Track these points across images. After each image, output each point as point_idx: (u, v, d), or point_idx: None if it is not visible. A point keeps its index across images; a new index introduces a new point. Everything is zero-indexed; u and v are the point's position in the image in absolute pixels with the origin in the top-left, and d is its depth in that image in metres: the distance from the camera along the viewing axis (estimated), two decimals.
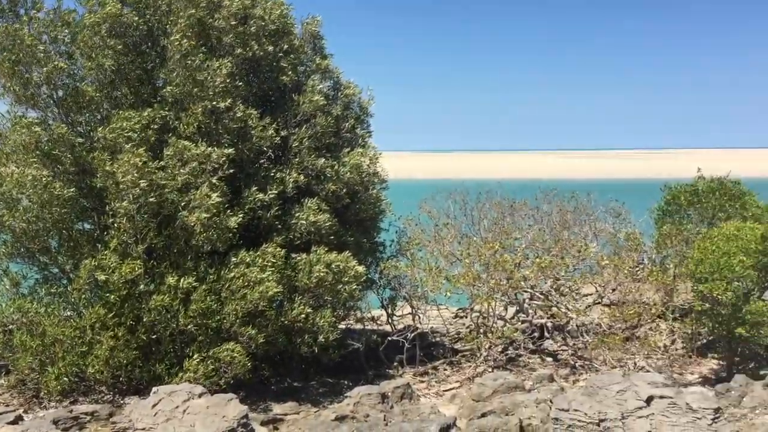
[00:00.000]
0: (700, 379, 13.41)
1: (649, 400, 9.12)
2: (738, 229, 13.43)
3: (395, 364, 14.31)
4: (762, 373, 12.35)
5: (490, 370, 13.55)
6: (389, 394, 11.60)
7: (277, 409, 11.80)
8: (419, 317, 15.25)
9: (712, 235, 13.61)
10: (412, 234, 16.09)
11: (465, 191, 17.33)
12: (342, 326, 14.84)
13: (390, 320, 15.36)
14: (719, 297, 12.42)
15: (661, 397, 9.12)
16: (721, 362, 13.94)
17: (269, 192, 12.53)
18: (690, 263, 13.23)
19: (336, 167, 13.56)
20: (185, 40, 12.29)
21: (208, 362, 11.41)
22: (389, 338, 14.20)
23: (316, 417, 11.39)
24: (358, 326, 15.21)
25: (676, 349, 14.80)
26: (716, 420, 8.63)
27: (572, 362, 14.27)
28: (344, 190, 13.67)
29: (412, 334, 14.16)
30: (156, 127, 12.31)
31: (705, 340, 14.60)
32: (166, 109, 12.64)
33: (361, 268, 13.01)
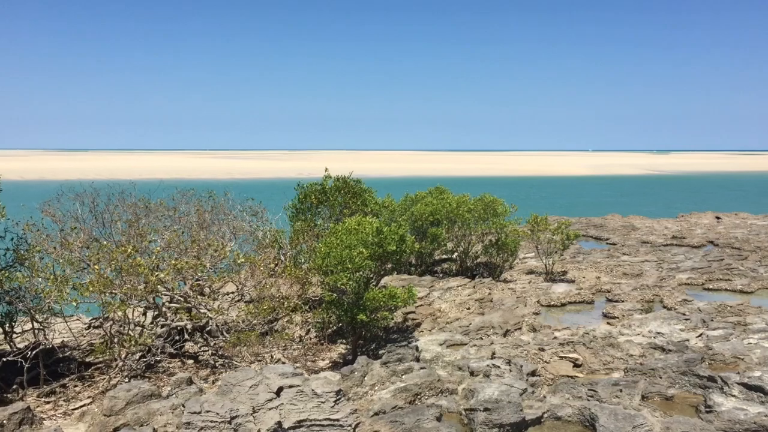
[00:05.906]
0: (330, 364, 14.40)
1: (279, 390, 9.50)
2: (358, 223, 14.65)
3: (15, 387, 12.77)
4: (380, 352, 13.69)
5: (126, 380, 12.85)
6: (5, 422, 10.31)
7: None
8: (44, 332, 13.83)
9: (336, 229, 14.69)
10: (34, 240, 14.51)
11: (95, 192, 16.15)
12: None
13: (8, 338, 13.62)
14: (343, 287, 13.48)
15: (290, 386, 9.57)
16: (348, 346, 15.14)
17: None
18: (318, 257, 14.08)
19: None
20: None
21: None
22: (5, 359, 12.59)
23: None
24: None
25: (310, 339, 15.72)
26: (338, 401, 9.33)
27: (213, 362, 14.25)
28: None
29: (33, 352, 12.76)
30: None
31: (335, 328, 15.72)
32: None
33: None
